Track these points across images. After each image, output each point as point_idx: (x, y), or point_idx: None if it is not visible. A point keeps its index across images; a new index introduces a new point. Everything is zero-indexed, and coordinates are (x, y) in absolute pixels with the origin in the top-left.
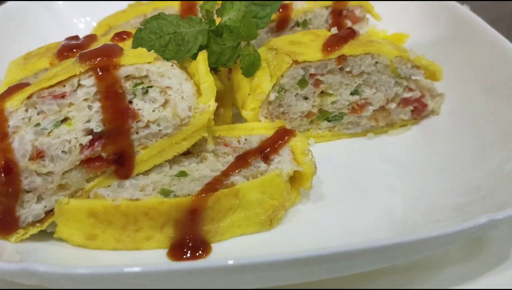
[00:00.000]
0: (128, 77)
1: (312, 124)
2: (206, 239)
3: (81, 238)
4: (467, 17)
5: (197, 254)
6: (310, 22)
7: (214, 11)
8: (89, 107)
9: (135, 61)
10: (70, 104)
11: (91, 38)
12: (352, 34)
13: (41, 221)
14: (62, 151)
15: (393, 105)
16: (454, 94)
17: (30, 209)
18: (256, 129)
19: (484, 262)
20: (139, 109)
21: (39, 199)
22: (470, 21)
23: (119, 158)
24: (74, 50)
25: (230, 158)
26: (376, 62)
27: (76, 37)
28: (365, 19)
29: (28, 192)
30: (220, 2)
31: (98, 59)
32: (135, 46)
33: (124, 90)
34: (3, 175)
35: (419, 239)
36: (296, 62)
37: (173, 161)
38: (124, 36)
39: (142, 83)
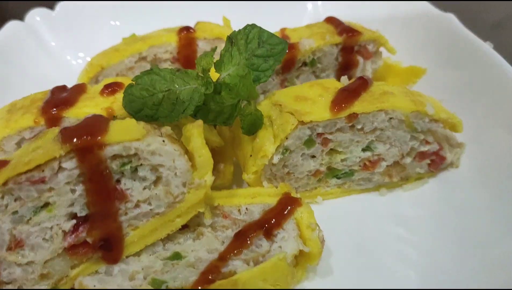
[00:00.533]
0: (114, 157)
1: (320, 182)
2: None
3: None
4: (490, 59)
5: None
6: (318, 61)
7: (213, 66)
8: (72, 190)
9: (121, 138)
10: (50, 188)
11: (79, 89)
12: (364, 85)
13: None
14: (43, 239)
15: (408, 160)
16: (476, 143)
17: None
18: (258, 196)
19: None
20: (128, 189)
21: None
22: (494, 63)
23: (106, 242)
24: (59, 107)
25: (230, 233)
26: (390, 118)
27: (63, 88)
28: (378, 53)
29: (7, 283)
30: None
31: (80, 139)
32: (125, 103)
33: (110, 170)
34: None
35: None
36: (302, 122)
37: (167, 238)
38: (116, 88)
39: (130, 162)
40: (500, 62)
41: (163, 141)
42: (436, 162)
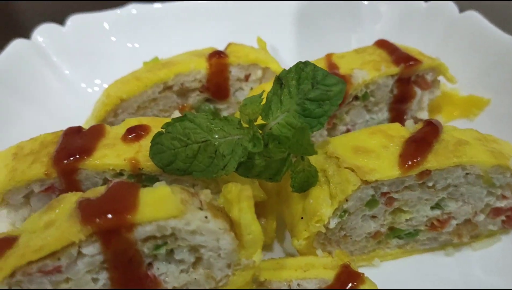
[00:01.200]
0: (146, 239)
1: (379, 244)
2: None
3: None
4: None
5: None
6: (371, 94)
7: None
8: (94, 280)
9: (155, 216)
10: (68, 279)
11: (96, 133)
12: (435, 133)
13: None
14: None
15: (481, 217)
16: None
17: None
18: (311, 269)
19: None
20: (161, 274)
21: None
22: None
23: None
24: (75, 158)
25: None
26: (467, 174)
27: (77, 130)
28: (436, 82)
29: None
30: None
31: (105, 218)
32: (153, 154)
33: (141, 255)
34: None
35: None
36: (365, 182)
37: None
38: (140, 132)
39: (165, 244)
40: None
41: (206, 217)
42: (511, 218)
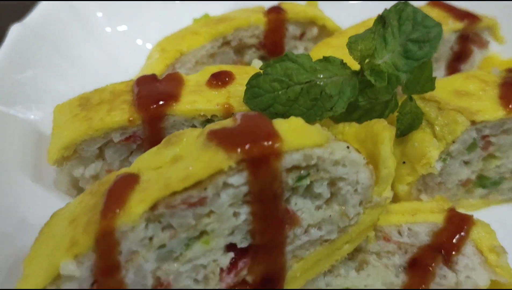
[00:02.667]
0: (291, 169)
1: (466, 193)
2: None
3: None
4: None
5: None
6: None
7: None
8: (235, 214)
9: (301, 144)
10: (210, 212)
11: (176, 80)
12: None
13: None
14: (194, 280)
15: None
16: None
17: None
18: (419, 213)
19: None
20: (298, 210)
21: None
22: None
23: (268, 281)
24: (163, 103)
25: (397, 260)
26: None
27: (152, 78)
28: (487, 42)
29: None
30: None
31: (256, 145)
32: (248, 98)
33: (283, 188)
34: None
35: None
36: (473, 122)
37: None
38: (226, 79)
39: (308, 175)
40: None
41: (348, 147)
42: None
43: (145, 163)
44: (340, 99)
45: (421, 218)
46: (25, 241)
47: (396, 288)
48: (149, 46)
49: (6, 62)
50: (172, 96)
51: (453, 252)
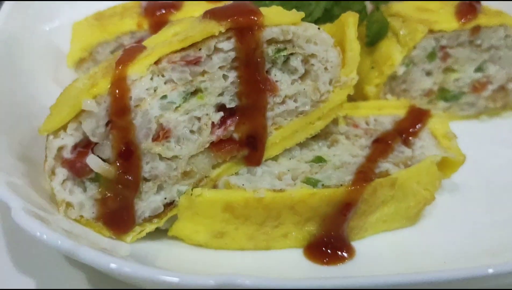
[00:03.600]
0: (270, 41)
1: (429, 103)
2: (347, 237)
3: (207, 236)
4: None
5: (340, 255)
6: None
7: None
8: (225, 76)
9: (279, 21)
10: (204, 72)
11: None
12: (478, 3)
13: (159, 215)
14: (191, 131)
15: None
16: None
17: (148, 202)
18: (384, 108)
19: None
20: (278, 81)
21: (159, 189)
22: None
23: (252, 140)
24: (166, 10)
25: (364, 141)
26: (507, 36)
27: None
28: None
29: (147, 180)
30: None
31: (241, 17)
32: None
33: (264, 56)
34: (122, 159)
35: None
36: (431, 31)
37: (301, 144)
38: None
39: (285, 49)
40: None
41: (319, 28)
42: None
43: (150, 40)
44: (317, 7)
45: (386, 112)
46: None
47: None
48: None
49: None
50: (174, 6)
51: (411, 136)
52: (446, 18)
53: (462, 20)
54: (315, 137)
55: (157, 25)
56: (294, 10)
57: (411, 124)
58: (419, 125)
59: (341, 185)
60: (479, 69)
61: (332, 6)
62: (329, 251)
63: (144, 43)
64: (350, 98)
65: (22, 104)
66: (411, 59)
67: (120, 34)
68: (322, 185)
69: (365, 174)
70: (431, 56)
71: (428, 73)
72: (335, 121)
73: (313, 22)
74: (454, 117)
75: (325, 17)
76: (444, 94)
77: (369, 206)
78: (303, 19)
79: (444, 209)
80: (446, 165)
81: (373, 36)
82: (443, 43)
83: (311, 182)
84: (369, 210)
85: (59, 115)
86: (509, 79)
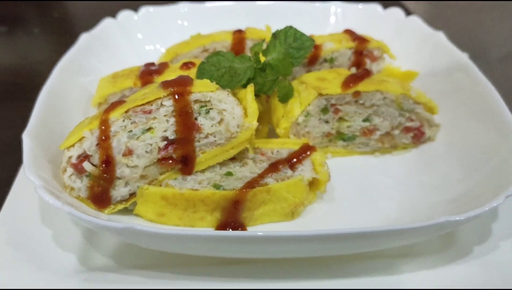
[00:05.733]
0: (196, 101)
1: (330, 142)
2: (243, 223)
3: (153, 215)
4: (465, 66)
5: None
6: (335, 59)
7: (261, 52)
8: (167, 121)
9: (202, 89)
10: (154, 118)
11: (164, 65)
12: (367, 74)
13: (126, 200)
14: (146, 151)
15: (396, 132)
16: (449, 124)
17: (119, 191)
18: (286, 144)
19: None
20: (202, 124)
21: (126, 184)
22: (466, 68)
23: (185, 159)
24: (152, 75)
25: (265, 165)
26: (384, 98)
27: (152, 64)
28: (382, 58)
29: (119, 179)
30: (267, 41)
31: (176, 87)
32: (198, 75)
33: (192, 110)
34: (104, 165)
35: (389, 230)
36: (320, 94)
37: (222, 163)
38: (190, 66)
39: (205, 105)
40: (473, 70)
41: (228, 94)
42: (418, 136)
43: (132, 96)
44: (244, 77)
45: (286, 146)
46: None
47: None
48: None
49: (79, 52)
50: (158, 72)
51: (297, 162)
52: (334, 86)
53: (345, 87)
54: (232, 159)
55: (145, 84)
56: (214, 82)
57: (299, 155)
58: (304, 155)
59: (233, 189)
60: (366, 119)
61: (255, 76)
62: (228, 229)
63: (128, 98)
64: (273, 136)
65: (61, 130)
66: (308, 112)
67: (123, 89)
68: (223, 188)
69: (250, 184)
70: (324, 110)
71: (326, 121)
72: (246, 150)
73: (241, 86)
74: (353, 153)
75: (250, 82)
76: (341, 136)
77: (253, 204)
78: (235, 84)
79: (320, 211)
80: (317, 183)
81: (282, 97)
82: (332, 102)
83: (216, 186)
84: (254, 207)
85: (71, 138)
86: (393, 128)
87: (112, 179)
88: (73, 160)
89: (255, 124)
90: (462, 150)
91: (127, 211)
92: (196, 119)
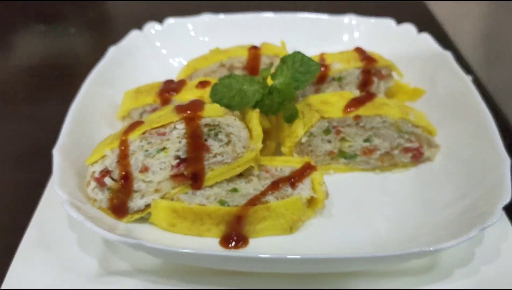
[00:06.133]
0: (206, 125)
1: (332, 160)
2: (246, 235)
3: (165, 225)
4: (465, 88)
5: (239, 244)
6: (344, 78)
7: (270, 76)
8: (179, 142)
9: (212, 114)
10: (168, 139)
11: (182, 83)
12: (368, 97)
13: (142, 211)
14: (160, 168)
15: (396, 152)
16: (449, 146)
17: (136, 203)
18: (289, 162)
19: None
20: (211, 145)
21: (142, 197)
22: (466, 92)
23: (195, 176)
24: (170, 93)
25: (268, 182)
26: (384, 121)
27: (171, 81)
28: (390, 76)
29: (136, 192)
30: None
31: (188, 112)
32: (212, 94)
33: (202, 133)
34: (123, 180)
35: (376, 257)
36: (322, 117)
37: (229, 180)
38: (206, 84)
39: (214, 129)
40: (474, 94)
41: (235, 119)
42: (417, 156)
43: (149, 117)
44: (252, 98)
45: (289, 164)
46: None
47: (259, 191)
48: None
49: (107, 65)
50: (176, 90)
51: (297, 181)
52: (336, 109)
53: (346, 111)
54: (239, 175)
55: (164, 101)
56: (223, 108)
57: (300, 173)
58: (304, 174)
59: (237, 205)
60: (367, 140)
61: (263, 98)
62: (231, 241)
63: (146, 118)
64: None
65: (88, 142)
66: (311, 133)
67: (144, 105)
68: (228, 205)
69: (252, 201)
70: (327, 131)
71: (328, 141)
72: (252, 167)
73: (250, 106)
74: (355, 169)
75: (261, 105)
76: (343, 154)
77: (254, 219)
78: (245, 105)
79: (317, 226)
80: (315, 200)
81: (287, 118)
82: (334, 124)
83: (222, 202)
84: (255, 222)
85: (95, 155)
86: (392, 148)
87: (130, 192)
88: (96, 175)
89: (259, 146)
90: (457, 173)
91: (143, 220)
92: (206, 140)
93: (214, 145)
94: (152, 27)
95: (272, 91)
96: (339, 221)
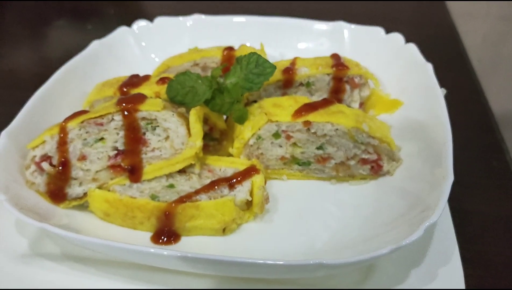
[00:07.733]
0: (143, 118)
1: (285, 165)
2: (178, 232)
3: (101, 214)
4: (435, 102)
5: (170, 240)
6: (313, 84)
7: (220, 75)
8: (117, 133)
9: (149, 108)
10: (105, 129)
11: (145, 78)
12: (325, 103)
13: (80, 198)
14: (97, 158)
15: (352, 162)
16: (411, 161)
17: (74, 190)
18: (234, 164)
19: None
20: (149, 139)
21: (80, 184)
22: (434, 107)
23: (132, 168)
24: (129, 87)
25: (208, 181)
26: (336, 129)
27: (136, 75)
28: (366, 85)
29: (74, 179)
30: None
31: (126, 104)
32: (167, 91)
33: (139, 126)
34: (61, 167)
35: (301, 264)
36: (270, 120)
37: (169, 175)
38: (165, 80)
39: (151, 122)
40: (442, 110)
41: (173, 114)
42: (375, 169)
43: (95, 108)
44: (203, 96)
45: (233, 166)
46: None
47: (195, 189)
48: None
49: (85, 59)
50: (135, 85)
51: (237, 183)
52: (286, 113)
53: (295, 116)
54: (180, 172)
55: (122, 94)
56: (163, 103)
57: (242, 175)
58: (246, 176)
59: (167, 201)
60: (320, 147)
61: (215, 97)
62: (163, 237)
63: (92, 110)
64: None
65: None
66: (259, 136)
67: (105, 97)
68: (158, 199)
69: (182, 198)
70: (276, 135)
71: (279, 145)
72: (193, 165)
73: (203, 104)
74: (310, 177)
75: (211, 104)
76: (296, 160)
77: (183, 217)
78: (196, 103)
79: (253, 230)
80: (253, 204)
81: (236, 118)
82: (283, 129)
83: (153, 197)
84: (184, 219)
85: (36, 140)
86: (348, 158)
87: (67, 179)
88: (37, 159)
89: (198, 143)
90: (409, 190)
91: (83, 207)
92: (144, 134)
93: (152, 139)
94: (140, 25)
95: (223, 91)
96: (277, 227)
